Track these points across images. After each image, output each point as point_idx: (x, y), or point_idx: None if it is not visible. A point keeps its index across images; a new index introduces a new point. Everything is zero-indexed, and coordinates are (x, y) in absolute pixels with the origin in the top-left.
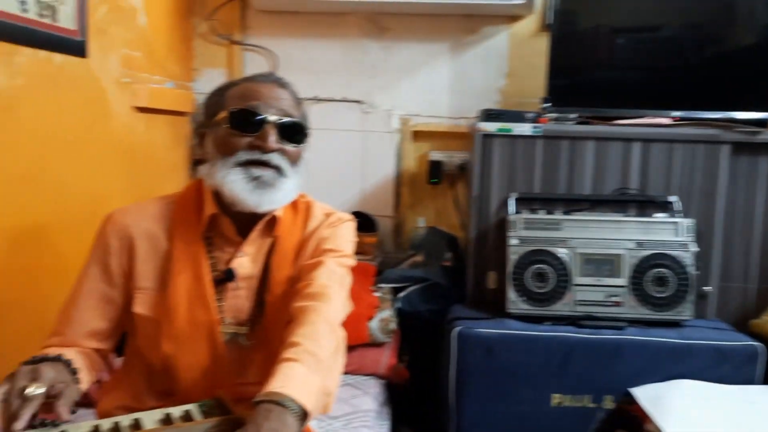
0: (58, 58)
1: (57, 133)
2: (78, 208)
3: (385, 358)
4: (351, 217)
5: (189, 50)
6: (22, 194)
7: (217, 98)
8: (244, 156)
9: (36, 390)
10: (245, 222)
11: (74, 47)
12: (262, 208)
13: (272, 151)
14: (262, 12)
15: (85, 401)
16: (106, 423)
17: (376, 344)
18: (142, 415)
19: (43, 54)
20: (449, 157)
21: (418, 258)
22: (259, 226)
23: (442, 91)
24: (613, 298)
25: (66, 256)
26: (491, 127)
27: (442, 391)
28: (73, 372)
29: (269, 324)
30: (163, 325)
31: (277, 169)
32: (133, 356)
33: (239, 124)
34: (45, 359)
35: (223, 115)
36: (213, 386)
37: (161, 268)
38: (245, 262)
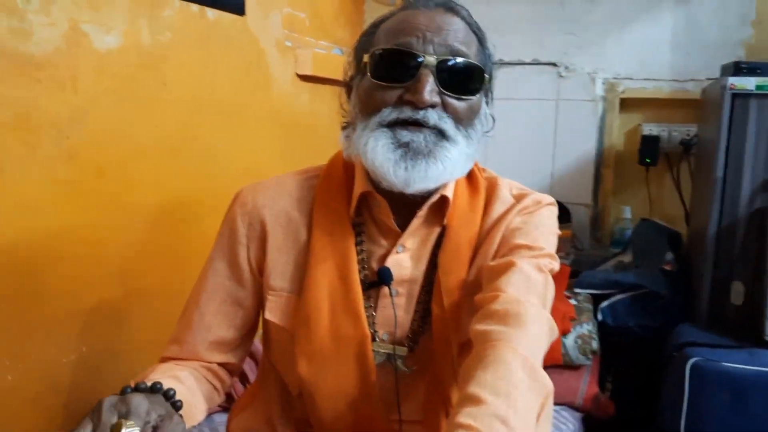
0: (211, 13)
1: (208, 99)
2: (229, 185)
3: (584, 386)
4: (551, 199)
5: (359, 13)
6: (166, 167)
7: (367, 38)
8: (389, 114)
9: (129, 429)
10: (405, 205)
11: (231, 2)
12: (414, 186)
13: (428, 106)
14: None
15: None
16: None
17: (572, 367)
18: None
19: (194, 8)
20: (668, 130)
21: (625, 258)
22: (423, 210)
23: (663, 48)
24: None
25: (213, 238)
26: (747, 83)
27: None
28: (175, 405)
29: (436, 345)
30: (300, 338)
31: (437, 131)
32: (269, 371)
33: (383, 71)
34: (138, 389)
35: (366, 59)
36: (361, 421)
37: (299, 264)
38: (404, 259)
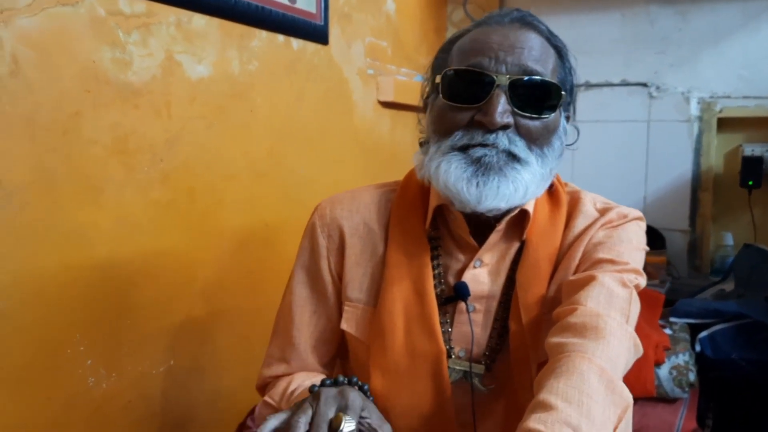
0: (296, 43)
1: (293, 126)
2: (311, 208)
3: (681, 421)
4: (639, 213)
5: (441, 40)
6: (253, 190)
7: (442, 56)
8: (461, 139)
9: (347, 424)
10: (482, 220)
11: (315, 32)
12: (485, 203)
13: (500, 127)
14: None
15: None
16: None
17: (667, 400)
18: None
19: (280, 39)
20: None
21: (727, 286)
22: (502, 225)
23: (765, 63)
24: None
25: (291, 260)
26: None
27: None
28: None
29: (514, 364)
30: (374, 352)
31: (509, 154)
32: None
33: (455, 92)
34: (337, 382)
35: (438, 79)
36: None
37: (375, 277)
38: (482, 274)
